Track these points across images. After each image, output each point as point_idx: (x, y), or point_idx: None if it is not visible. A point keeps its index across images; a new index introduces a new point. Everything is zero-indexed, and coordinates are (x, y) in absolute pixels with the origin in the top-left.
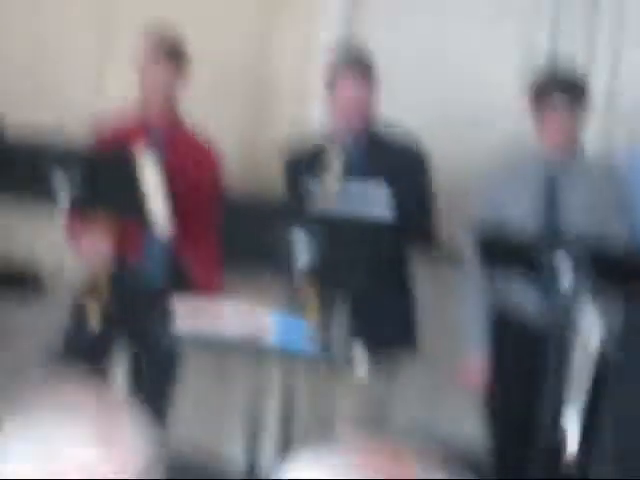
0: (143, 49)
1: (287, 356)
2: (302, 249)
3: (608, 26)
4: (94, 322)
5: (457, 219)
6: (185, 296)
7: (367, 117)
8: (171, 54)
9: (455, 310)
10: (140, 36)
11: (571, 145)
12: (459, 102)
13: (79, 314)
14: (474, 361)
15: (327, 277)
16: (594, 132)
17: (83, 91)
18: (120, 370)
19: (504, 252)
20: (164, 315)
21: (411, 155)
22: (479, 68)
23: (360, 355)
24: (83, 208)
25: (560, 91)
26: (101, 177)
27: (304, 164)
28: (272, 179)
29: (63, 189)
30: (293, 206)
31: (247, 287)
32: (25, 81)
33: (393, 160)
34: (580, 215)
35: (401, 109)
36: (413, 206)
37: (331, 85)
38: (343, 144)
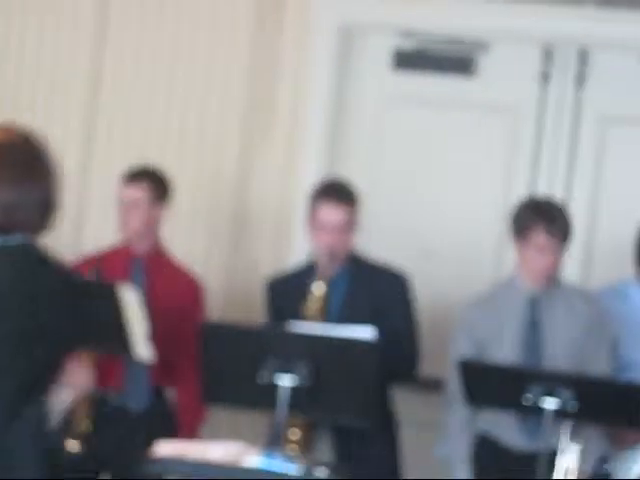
0: (124, 179)
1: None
2: (285, 381)
3: (587, 167)
4: (73, 449)
5: (439, 351)
6: (169, 440)
7: (349, 242)
8: (152, 181)
9: (439, 444)
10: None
11: (553, 275)
12: (440, 238)
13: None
14: None
15: (312, 406)
16: (573, 266)
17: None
18: None
19: (487, 386)
20: (145, 441)
21: (394, 279)
22: (459, 206)
23: None
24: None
25: (543, 228)
26: (82, 311)
27: (287, 286)
28: (254, 308)
29: None
30: (274, 329)
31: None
32: None
33: (376, 283)
34: (563, 345)
35: (382, 245)
36: (397, 330)
37: (312, 211)
38: (325, 268)
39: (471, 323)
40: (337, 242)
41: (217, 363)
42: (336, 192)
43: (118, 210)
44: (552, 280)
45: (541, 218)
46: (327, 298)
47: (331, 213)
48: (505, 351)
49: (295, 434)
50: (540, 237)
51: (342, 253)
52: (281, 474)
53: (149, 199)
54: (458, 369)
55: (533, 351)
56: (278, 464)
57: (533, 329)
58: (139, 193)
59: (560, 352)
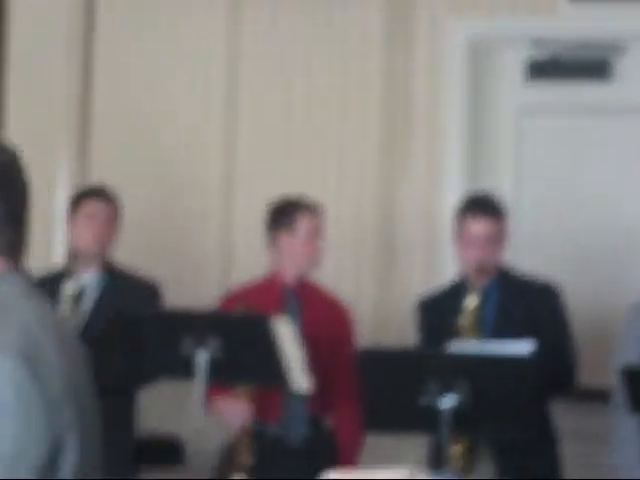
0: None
1: None
2: (445, 402)
3: None
4: None
5: (598, 359)
6: (331, 469)
7: (498, 254)
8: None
9: (608, 454)
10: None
11: None
12: (593, 245)
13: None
14: None
15: (473, 425)
16: None
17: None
18: None
19: None
20: (306, 471)
21: (545, 290)
22: (607, 210)
23: None
24: (221, 378)
25: None
26: (238, 347)
27: (438, 304)
28: (405, 335)
29: (199, 358)
30: (431, 351)
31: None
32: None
33: (527, 295)
34: None
35: (529, 256)
36: (552, 346)
37: (460, 226)
38: (476, 282)
39: (636, 326)
40: (486, 255)
41: (376, 389)
42: (482, 205)
43: (285, 240)
44: None
45: None
46: (480, 311)
47: (479, 226)
48: None
49: (457, 451)
50: None
51: (491, 266)
52: None
53: (318, 229)
54: (622, 377)
55: None
56: None
57: None
58: (316, 221)
59: None
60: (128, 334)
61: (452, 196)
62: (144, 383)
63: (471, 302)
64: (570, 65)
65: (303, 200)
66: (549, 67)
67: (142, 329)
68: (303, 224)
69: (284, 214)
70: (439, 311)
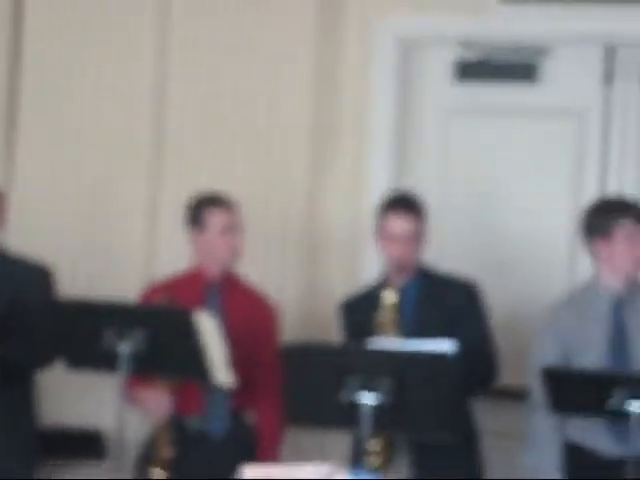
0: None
1: None
2: (367, 399)
3: None
4: (159, 477)
5: (515, 361)
6: (252, 464)
7: (417, 252)
8: (232, 206)
9: (528, 452)
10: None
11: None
12: (511, 248)
13: (144, 473)
14: None
15: (395, 423)
16: None
17: (135, 249)
18: None
19: (570, 392)
20: (227, 466)
21: (465, 289)
22: (529, 214)
23: None
24: (142, 371)
25: (631, 217)
26: (161, 340)
27: (360, 304)
28: (329, 329)
29: (121, 351)
30: (354, 347)
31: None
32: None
33: (447, 293)
34: None
35: (450, 255)
36: (471, 343)
37: (380, 223)
38: (395, 279)
39: (555, 328)
40: (405, 253)
41: (299, 384)
42: (402, 203)
43: (201, 236)
44: (636, 281)
45: (626, 209)
46: (399, 308)
47: (398, 224)
48: (592, 357)
49: (376, 446)
50: (629, 227)
51: (410, 264)
52: None
53: (236, 224)
54: (541, 376)
55: (621, 355)
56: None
57: (619, 333)
58: (230, 218)
59: None
60: (55, 323)
61: (378, 195)
62: (37, 367)
63: (388, 297)
64: (498, 67)
65: (214, 196)
66: (477, 68)
67: (67, 319)
68: (212, 220)
69: (194, 211)
70: (361, 311)
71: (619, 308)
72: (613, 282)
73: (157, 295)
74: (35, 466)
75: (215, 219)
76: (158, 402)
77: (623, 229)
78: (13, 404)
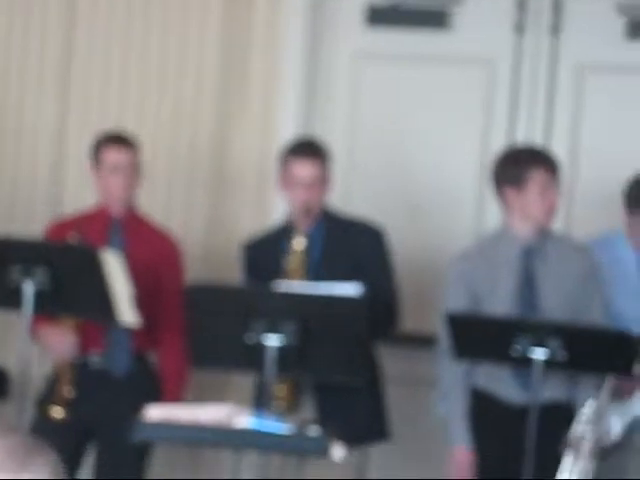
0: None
1: (262, 442)
2: (272, 341)
3: (565, 116)
4: (58, 415)
5: (423, 305)
6: (155, 404)
7: (322, 197)
8: (129, 144)
9: (439, 401)
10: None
11: (552, 219)
12: (421, 193)
13: (43, 411)
14: (461, 454)
15: (298, 364)
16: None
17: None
18: (87, 463)
19: (475, 339)
20: (130, 406)
21: (370, 232)
22: (439, 160)
23: (334, 443)
24: (47, 309)
25: (543, 167)
26: (65, 277)
27: (263, 247)
28: (233, 270)
29: (25, 288)
30: (260, 289)
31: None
32: None
33: (352, 237)
34: (558, 296)
35: (360, 200)
36: (375, 286)
37: (284, 168)
38: (301, 224)
39: (464, 275)
40: (310, 197)
41: (202, 325)
42: (306, 148)
43: (98, 174)
44: (545, 230)
45: (539, 158)
46: (306, 253)
47: (303, 168)
48: (500, 304)
49: (281, 391)
50: (542, 176)
51: (316, 208)
52: (273, 434)
53: (131, 163)
54: (446, 322)
55: (528, 303)
56: (269, 424)
57: (528, 281)
58: (122, 157)
59: (555, 304)
60: None
61: (286, 138)
62: None
63: (298, 244)
64: (410, 13)
65: (111, 135)
66: (389, 13)
67: None
68: (105, 158)
69: (94, 149)
70: (264, 253)
71: (529, 256)
72: (524, 230)
73: (64, 232)
74: None
75: (108, 157)
76: (62, 341)
77: (535, 178)
78: None
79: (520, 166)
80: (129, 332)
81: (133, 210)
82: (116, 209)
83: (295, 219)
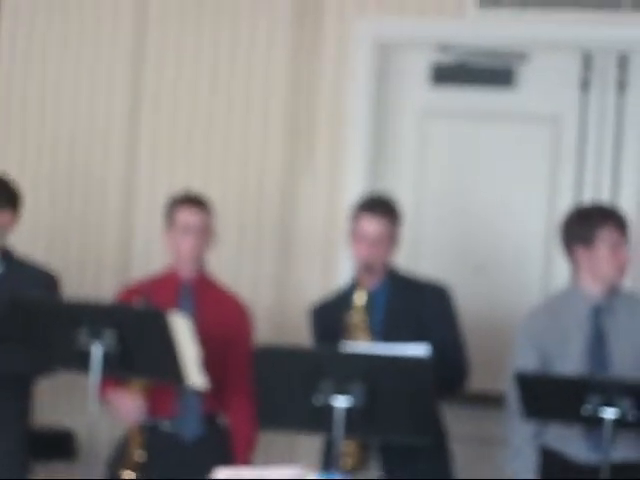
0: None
1: None
2: (340, 402)
3: (633, 174)
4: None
5: (490, 365)
6: (225, 467)
7: (386, 255)
8: (202, 206)
9: (507, 460)
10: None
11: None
12: (487, 252)
13: (115, 474)
14: None
15: (367, 426)
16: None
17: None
18: None
19: (545, 398)
20: (200, 469)
21: (435, 292)
22: (506, 219)
23: None
24: (115, 372)
25: (614, 225)
26: (132, 340)
27: (331, 309)
28: (302, 331)
29: (94, 351)
30: (327, 350)
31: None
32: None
33: (417, 296)
34: (629, 354)
35: (426, 259)
36: (442, 347)
37: (353, 224)
38: (363, 281)
39: (533, 334)
40: (373, 253)
41: (271, 387)
42: (375, 204)
43: (170, 234)
44: (614, 287)
45: (608, 216)
46: (369, 311)
47: (369, 224)
48: (571, 363)
49: (349, 447)
50: (612, 234)
51: (378, 265)
52: None
53: (203, 224)
54: (516, 382)
55: (599, 362)
56: None
57: (599, 339)
58: (195, 218)
59: (627, 362)
60: (25, 322)
61: (353, 198)
62: (42, 373)
63: (359, 298)
64: (475, 71)
65: (184, 195)
66: (454, 72)
67: (39, 318)
68: (180, 219)
69: (167, 209)
70: (332, 315)
71: (598, 314)
72: (593, 289)
73: (133, 297)
74: (27, 467)
75: (181, 217)
76: (131, 405)
77: (605, 237)
78: (10, 406)
79: (590, 225)
80: (199, 395)
81: (203, 273)
82: (186, 272)
83: (358, 275)
